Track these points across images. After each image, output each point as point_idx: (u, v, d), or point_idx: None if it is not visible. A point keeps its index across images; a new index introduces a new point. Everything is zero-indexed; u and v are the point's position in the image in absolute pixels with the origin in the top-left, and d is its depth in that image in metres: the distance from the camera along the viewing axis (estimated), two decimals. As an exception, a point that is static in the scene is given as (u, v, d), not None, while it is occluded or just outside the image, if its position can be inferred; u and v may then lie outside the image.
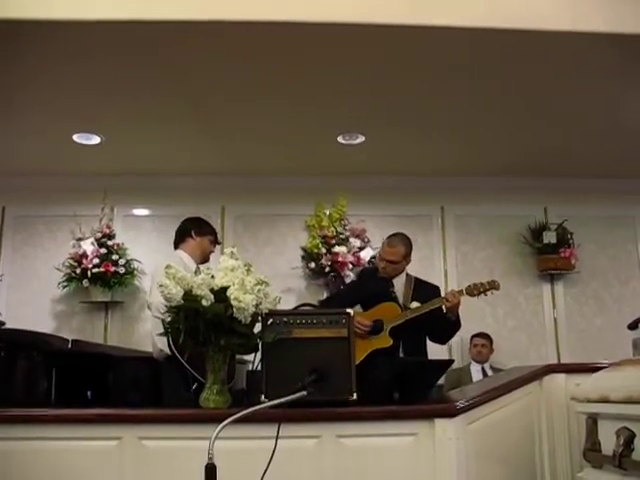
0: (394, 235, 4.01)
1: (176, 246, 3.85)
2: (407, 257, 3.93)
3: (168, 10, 3.31)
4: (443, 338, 3.95)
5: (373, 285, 3.88)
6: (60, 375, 3.17)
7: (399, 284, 3.89)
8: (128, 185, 5.87)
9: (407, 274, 3.97)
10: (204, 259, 3.83)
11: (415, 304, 3.72)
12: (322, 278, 5.71)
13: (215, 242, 3.94)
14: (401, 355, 3.65)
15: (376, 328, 3.59)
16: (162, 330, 3.02)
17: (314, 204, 5.94)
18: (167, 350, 3.11)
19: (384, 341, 3.59)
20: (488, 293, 3.77)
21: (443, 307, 3.72)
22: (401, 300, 3.81)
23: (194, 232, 3.82)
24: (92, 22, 3.31)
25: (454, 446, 2.22)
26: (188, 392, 2.83)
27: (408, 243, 3.94)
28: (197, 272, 3.48)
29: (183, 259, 3.66)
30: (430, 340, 3.89)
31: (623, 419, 1.99)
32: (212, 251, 3.91)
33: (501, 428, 2.57)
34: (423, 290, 3.87)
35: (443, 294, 3.83)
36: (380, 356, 3.46)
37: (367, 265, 5.60)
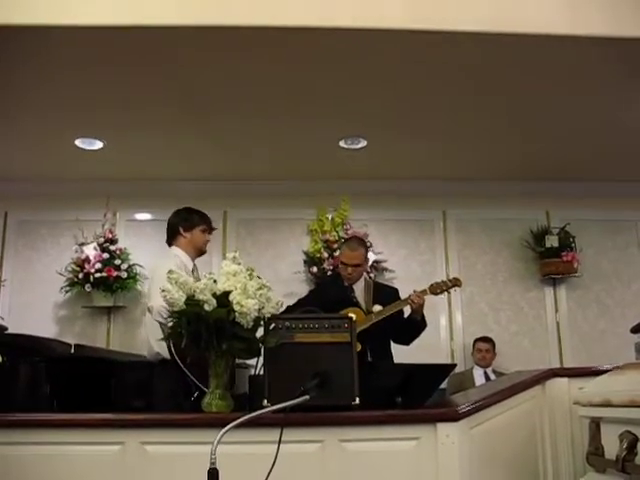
0: (350, 240, 4.07)
1: (169, 243, 3.66)
2: (367, 259, 4.02)
3: (170, 16, 3.32)
4: (408, 339, 3.92)
5: (334, 292, 3.88)
6: (62, 380, 3.16)
7: (359, 289, 3.91)
8: (130, 190, 5.89)
9: (365, 279, 4.00)
10: (199, 252, 3.64)
11: (378, 307, 3.74)
12: (324, 282, 5.71)
13: (208, 230, 3.68)
14: (369, 359, 3.64)
15: None
16: (160, 333, 3.01)
17: (316, 208, 5.96)
18: (165, 354, 3.09)
19: None
20: (451, 290, 3.87)
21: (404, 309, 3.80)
22: (363, 305, 3.83)
23: (182, 229, 3.60)
24: (95, 28, 3.32)
25: (457, 450, 2.22)
26: (188, 399, 2.81)
27: (365, 245, 4.03)
28: (194, 270, 3.50)
29: (179, 257, 3.52)
30: (394, 342, 3.91)
31: (626, 423, 1.99)
32: (207, 240, 3.67)
33: (504, 432, 2.57)
34: (382, 293, 3.91)
35: (403, 296, 3.85)
36: None
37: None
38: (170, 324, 2.96)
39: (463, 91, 4.24)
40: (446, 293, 3.88)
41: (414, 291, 3.77)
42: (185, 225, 3.61)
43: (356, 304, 3.81)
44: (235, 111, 4.52)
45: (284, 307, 2.62)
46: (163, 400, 3.15)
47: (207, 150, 5.28)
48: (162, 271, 3.31)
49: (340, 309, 3.60)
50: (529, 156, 5.47)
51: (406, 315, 3.87)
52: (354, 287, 3.90)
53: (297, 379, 2.18)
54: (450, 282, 3.85)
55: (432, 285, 3.86)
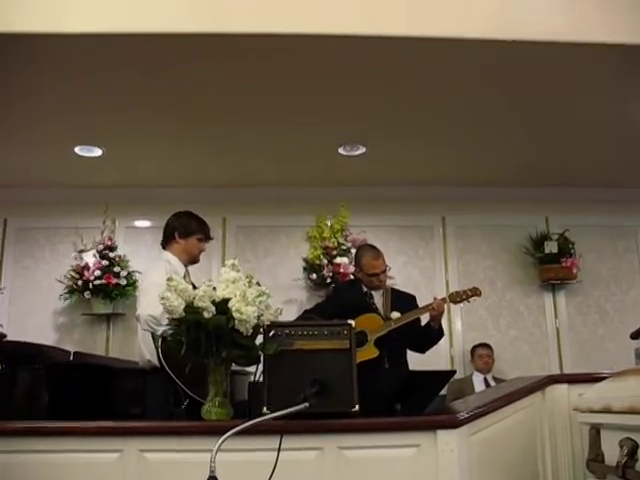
0: (366, 248, 4.04)
1: (164, 246, 3.58)
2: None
3: (169, 24, 3.33)
4: (424, 347, 3.91)
5: (353, 298, 3.86)
6: (61, 387, 3.16)
7: (377, 295, 3.90)
8: (130, 197, 5.89)
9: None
10: (192, 261, 3.57)
11: (396, 314, 3.74)
12: (323, 289, 5.70)
13: (204, 239, 3.58)
14: (386, 365, 3.64)
15: (359, 340, 3.55)
16: (150, 341, 3.02)
17: (315, 215, 5.95)
18: (156, 362, 3.08)
19: (370, 352, 3.58)
20: (471, 300, 3.84)
21: (421, 316, 3.79)
22: (381, 311, 3.82)
23: (177, 234, 3.51)
24: (94, 35, 3.33)
25: (456, 457, 2.21)
26: (178, 407, 2.80)
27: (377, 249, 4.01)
28: (186, 276, 3.48)
29: (171, 262, 3.45)
30: (410, 349, 3.89)
31: (626, 429, 1.99)
32: (202, 250, 3.59)
33: (504, 439, 2.56)
34: (400, 300, 3.90)
35: (421, 304, 3.84)
36: (366, 367, 3.43)
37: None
38: (158, 333, 2.98)
39: (462, 98, 4.24)
40: (466, 302, 3.87)
41: (435, 299, 3.77)
42: (181, 231, 3.53)
43: (375, 310, 3.80)
44: (234, 118, 4.53)
45: (281, 313, 2.61)
46: (155, 407, 3.15)
47: (206, 157, 5.29)
48: (150, 279, 3.33)
49: (359, 315, 3.54)
50: (528, 162, 5.48)
51: (423, 323, 3.86)
52: (373, 293, 3.89)
53: (296, 386, 2.17)
54: (470, 292, 3.83)
55: (452, 294, 3.86)
